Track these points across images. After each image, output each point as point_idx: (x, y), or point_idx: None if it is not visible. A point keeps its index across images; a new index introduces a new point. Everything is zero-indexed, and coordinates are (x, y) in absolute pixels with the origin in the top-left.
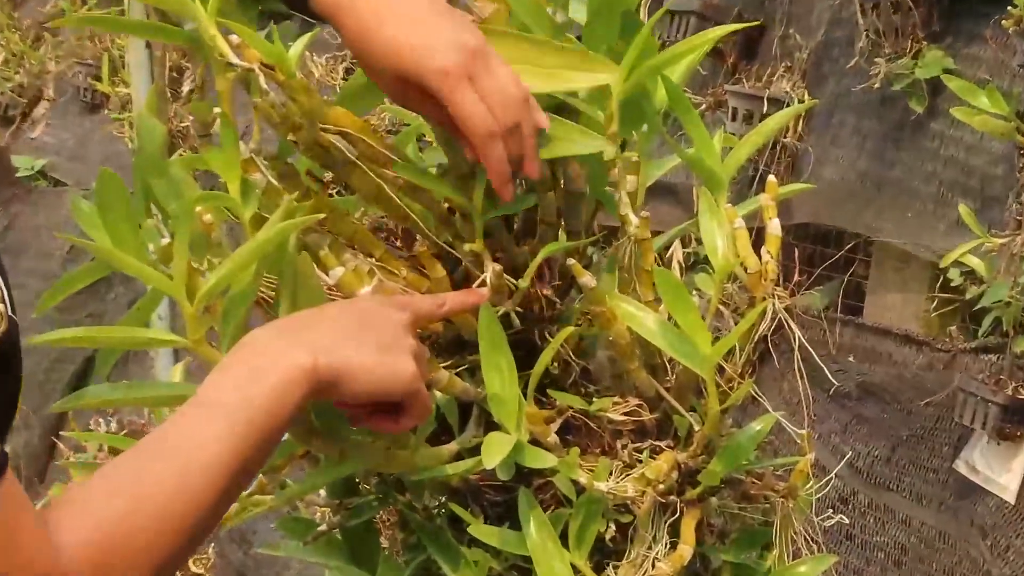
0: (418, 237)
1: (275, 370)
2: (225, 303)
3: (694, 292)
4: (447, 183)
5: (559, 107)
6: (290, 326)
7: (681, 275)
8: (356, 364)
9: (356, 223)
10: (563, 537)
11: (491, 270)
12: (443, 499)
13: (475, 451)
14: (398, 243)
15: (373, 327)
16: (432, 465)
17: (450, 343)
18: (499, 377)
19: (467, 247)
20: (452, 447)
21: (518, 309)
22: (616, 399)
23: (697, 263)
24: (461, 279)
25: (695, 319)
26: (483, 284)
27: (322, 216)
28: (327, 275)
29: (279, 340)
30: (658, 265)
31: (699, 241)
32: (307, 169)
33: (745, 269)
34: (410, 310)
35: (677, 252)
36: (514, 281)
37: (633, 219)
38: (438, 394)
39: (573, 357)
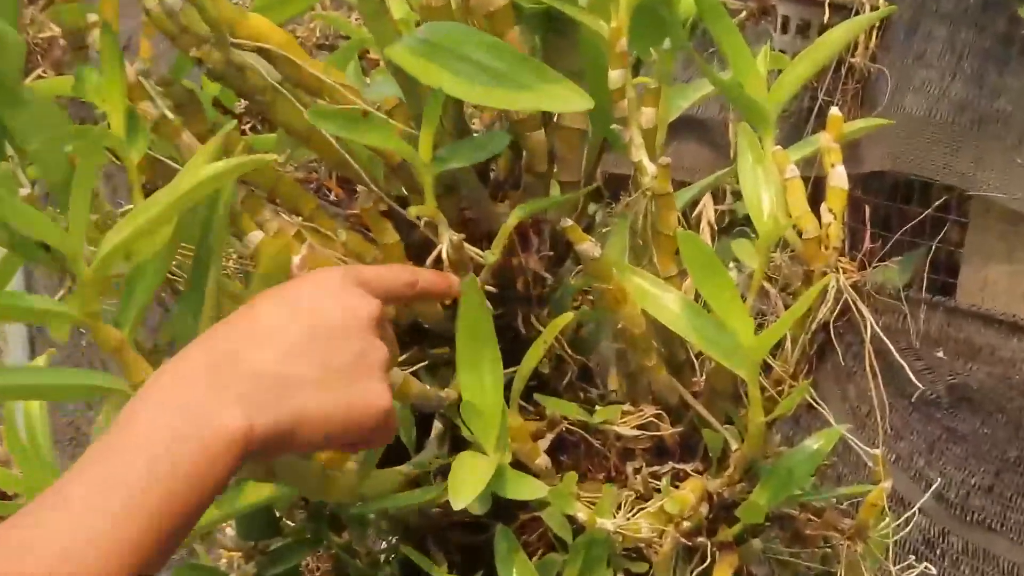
0: (361, 189)
1: (198, 438)
2: (129, 275)
3: (730, 264)
4: (389, 129)
5: (550, 16)
6: (222, 359)
7: (713, 241)
8: (312, 413)
9: (279, 171)
10: None
11: (447, 241)
12: (394, 540)
13: (439, 475)
14: (335, 197)
15: (332, 338)
16: (380, 494)
17: (405, 332)
18: (480, 378)
19: (413, 211)
20: (407, 471)
21: (491, 288)
22: (626, 407)
23: (734, 225)
24: (419, 246)
25: (732, 300)
26: (439, 260)
27: (271, 158)
28: (240, 240)
29: (206, 389)
30: (683, 228)
31: (737, 195)
32: (214, 98)
33: (799, 233)
34: (377, 292)
35: (708, 210)
36: (479, 253)
37: (650, 167)
38: None
39: (569, 351)
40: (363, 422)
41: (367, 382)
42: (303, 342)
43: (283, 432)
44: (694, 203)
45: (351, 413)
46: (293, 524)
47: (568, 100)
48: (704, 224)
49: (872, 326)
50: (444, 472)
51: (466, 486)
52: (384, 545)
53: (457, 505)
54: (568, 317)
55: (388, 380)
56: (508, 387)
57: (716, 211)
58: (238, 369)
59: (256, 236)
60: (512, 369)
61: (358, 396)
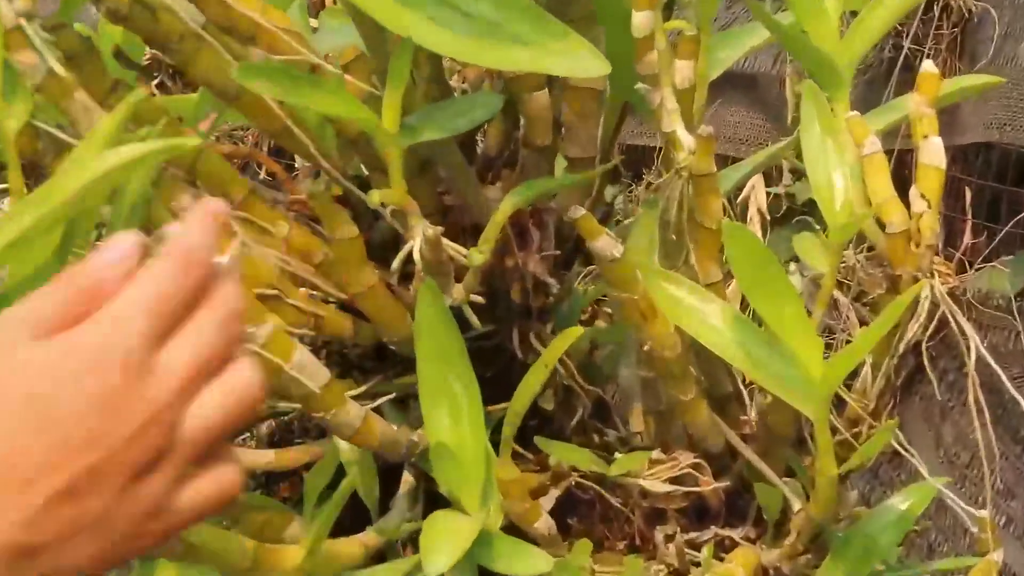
0: (306, 167)
1: None
2: (3, 296)
3: (790, 267)
4: (344, 90)
5: None
6: None
7: (764, 236)
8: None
9: (202, 143)
10: None
11: (420, 235)
12: None
13: (410, 544)
14: (269, 177)
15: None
16: (335, 572)
17: (364, 356)
18: (450, 414)
19: (375, 196)
20: (368, 540)
21: (478, 299)
22: (655, 455)
23: (793, 214)
24: (384, 242)
25: (795, 314)
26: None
27: (194, 143)
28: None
29: None
30: (729, 218)
31: (798, 175)
32: (115, 47)
33: (881, 226)
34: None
35: (758, 195)
36: (462, 251)
37: (686, 139)
38: (344, 447)
39: (580, 380)
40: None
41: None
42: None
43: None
44: (740, 186)
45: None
46: None
47: (577, 60)
48: (753, 213)
49: (976, 347)
50: (416, 540)
51: (441, 549)
52: None
53: (431, 572)
54: (577, 333)
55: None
56: (499, 428)
57: (768, 196)
58: None
59: (172, 231)
60: (503, 405)
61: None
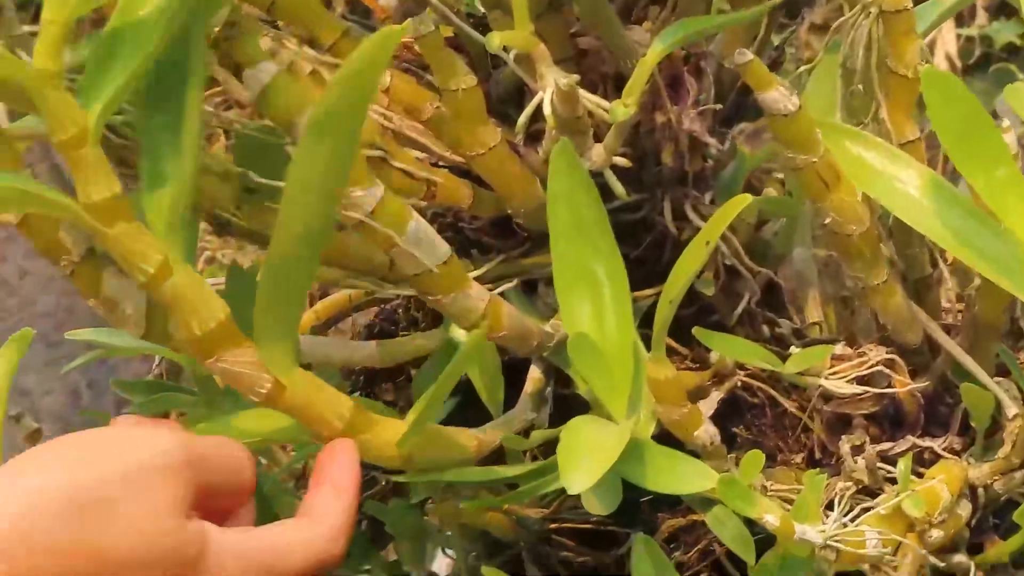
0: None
1: None
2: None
3: (1000, 121)
4: None
5: None
6: None
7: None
8: None
9: None
10: None
11: (552, 86)
12: (471, 557)
13: (540, 457)
14: (368, 16)
15: None
16: (441, 462)
17: (484, 231)
18: (591, 301)
19: (493, 40)
20: (484, 435)
21: (623, 162)
22: (839, 350)
23: (990, 61)
24: (506, 94)
25: (1010, 180)
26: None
27: None
28: (238, 79)
29: None
30: (925, 64)
31: (999, 11)
32: None
33: None
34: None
35: (946, 38)
36: (602, 105)
37: None
38: (460, 335)
39: (746, 261)
40: None
41: None
42: None
43: None
44: (932, 28)
45: None
46: None
47: None
48: (940, 60)
49: None
50: (548, 449)
51: (582, 464)
52: (452, 566)
53: (572, 489)
54: (743, 203)
55: None
56: (648, 319)
57: (959, 39)
58: None
59: (266, 70)
60: (654, 290)
61: None
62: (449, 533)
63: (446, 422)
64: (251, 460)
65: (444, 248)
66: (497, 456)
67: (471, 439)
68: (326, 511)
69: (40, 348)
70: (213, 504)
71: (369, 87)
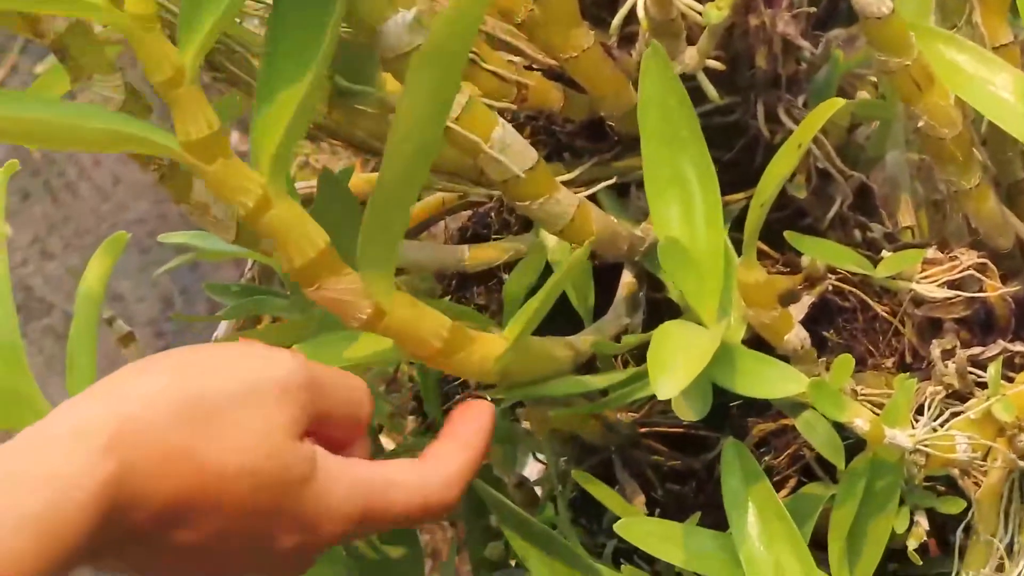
0: None
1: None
2: None
3: None
4: None
5: None
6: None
7: None
8: None
9: None
10: (815, 545)
11: None
12: (561, 462)
13: (630, 360)
14: None
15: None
16: (535, 376)
17: (576, 134)
18: (682, 204)
19: None
20: (579, 343)
21: (715, 65)
22: (931, 254)
23: None
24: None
25: None
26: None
27: None
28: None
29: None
30: None
31: None
32: None
33: None
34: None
35: None
36: (695, 7)
37: None
38: (552, 243)
39: (838, 165)
40: None
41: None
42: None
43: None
44: None
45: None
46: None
47: None
48: None
49: None
50: (637, 354)
51: (673, 367)
52: (543, 471)
53: (662, 394)
54: (835, 106)
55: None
56: (739, 223)
57: None
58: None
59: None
60: (746, 194)
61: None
62: (540, 438)
63: (536, 332)
64: (369, 395)
65: (531, 154)
66: (590, 363)
67: (567, 349)
68: (448, 459)
69: (133, 254)
70: (329, 435)
71: (474, 22)
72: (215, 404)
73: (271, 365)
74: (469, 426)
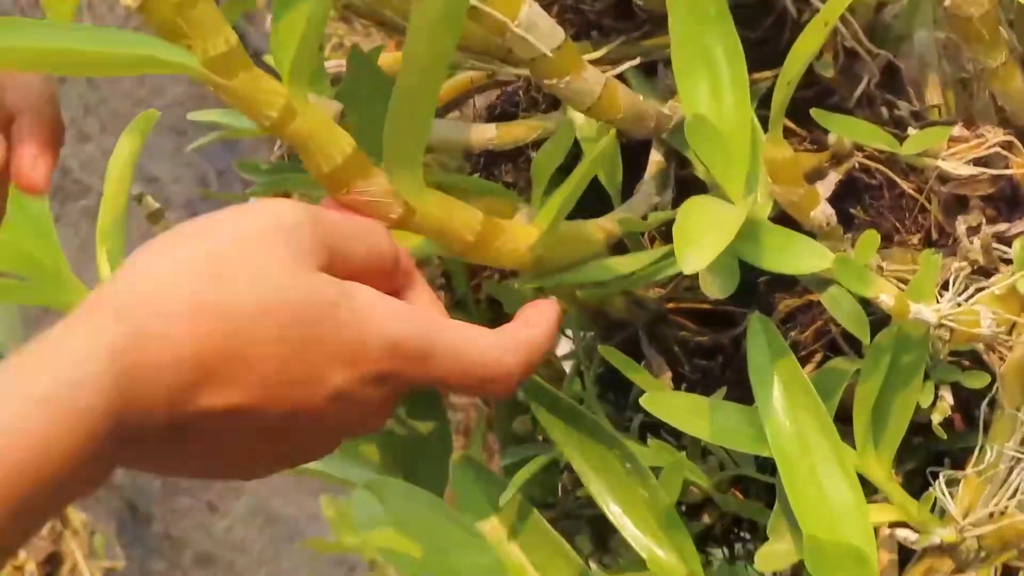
0: None
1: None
2: None
3: None
4: None
5: None
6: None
7: None
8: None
9: None
10: (840, 419)
11: None
12: (587, 337)
13: (659, 237)
14: None
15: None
16: (567, 261)
17: (604, 12)
18: (709, 82)
19: None
20: (608, 226)
21: None
22: (957, 131)
23: None
24: None
25: None
26: None
27: None
28: None
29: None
30: None
31: None
32: None
33: None
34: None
35: None
36: None
37: None
38: (580, 121)
39: (865, 43)
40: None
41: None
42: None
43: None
44: None
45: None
46: None
47: None
48: None
49: None
50: (665, 232)
51: (699, 242)
52: (571, 348)
53: (687, 269)
54: None
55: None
56: (765, 101)
57: None
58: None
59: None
60: (773, 72)
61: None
62: (568, 313)
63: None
64: (387, 232)
65: (558, 33)
66: (619, 242)
67: (599, 231)
68: (514, 333)
69: (170, 137)
70: (374, 282)
71: None
72: (220, 254)
73: (271, 209)
74: (537, 315)
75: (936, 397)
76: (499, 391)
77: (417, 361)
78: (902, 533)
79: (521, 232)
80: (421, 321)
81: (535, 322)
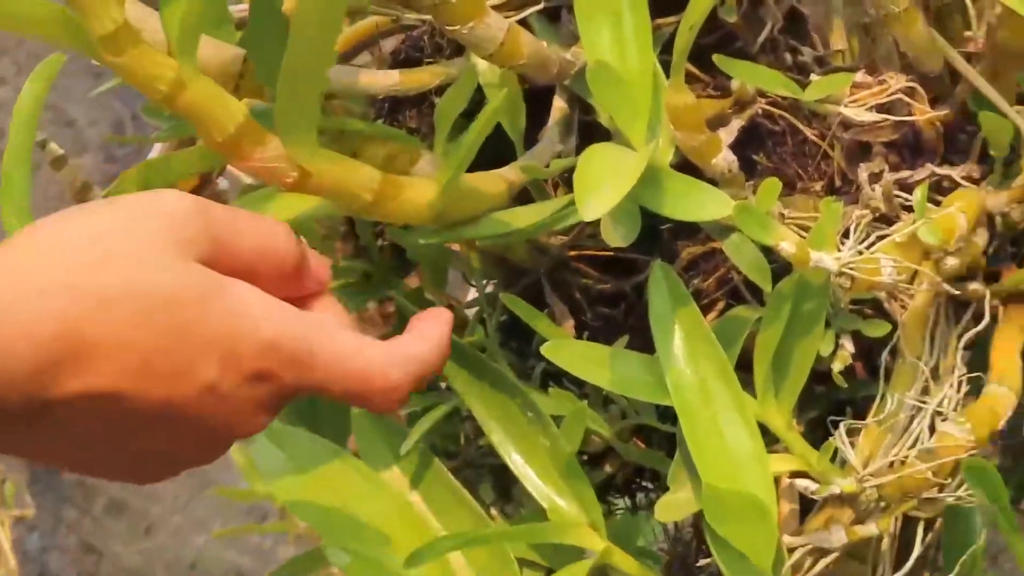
0: None
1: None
2: None
3: None
4: None
5: None
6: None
7: None
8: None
9: None
10: (741, 368)
11: None
12: (489, 285)
13: (562, 184)
14: None
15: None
16: (470, 214)
17: None
18: (611, 27)
19: None
20: (512, 176)
21: None
22: (859, 77)
23: None
24: None
25: None
26: None
27: None
28: None
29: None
30: None
31: None
32: None
33: None
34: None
35: None
36: None
37: None
38: (483, 67)
39: None
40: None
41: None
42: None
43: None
44: None
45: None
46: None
47: None
48: None
49: None
50: (569, 179)
51: (599, 189)
52: (474, 294)
53: (587, 216)
54: None
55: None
56: (669, 46)
57: None
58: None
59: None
60: (676, 17)
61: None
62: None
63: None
64: (288, 233)
65: None
66: (523, 190)
67: (500, 182)
68: (404, 348)
69: (86, 79)
70: (267, 285)
71: None
72: (99, 235)
73: (157, 197)
74: (430, 328)
75: (837, 346)
76: (382, 404)
77: (296, 364)
78: (802, 483)
79: (421, 188)
80: (303, 325)
81: (428, 335)
